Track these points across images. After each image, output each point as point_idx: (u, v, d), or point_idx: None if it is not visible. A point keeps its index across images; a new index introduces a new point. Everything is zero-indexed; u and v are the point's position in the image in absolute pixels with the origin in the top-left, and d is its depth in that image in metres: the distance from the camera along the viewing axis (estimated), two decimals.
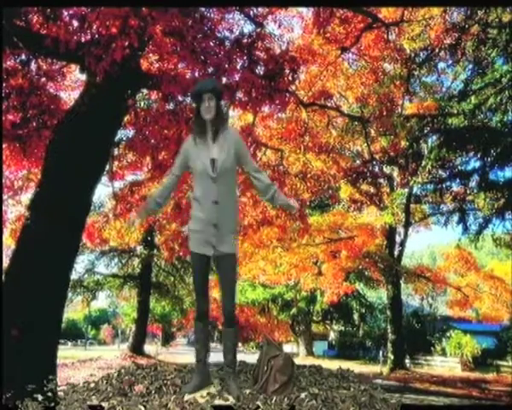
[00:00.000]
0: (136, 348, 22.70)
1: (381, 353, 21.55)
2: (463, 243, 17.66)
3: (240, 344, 42.42)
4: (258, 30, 7.36)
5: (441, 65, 14.18)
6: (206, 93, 2.77)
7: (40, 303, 5.36)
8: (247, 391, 2.72)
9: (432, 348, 22.89)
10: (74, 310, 43.55)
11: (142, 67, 6.95)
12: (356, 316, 29.51)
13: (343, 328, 31.36)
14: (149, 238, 21.83)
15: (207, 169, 2.75)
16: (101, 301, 42.83)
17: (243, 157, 2.86)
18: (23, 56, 6.69)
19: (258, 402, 2.57)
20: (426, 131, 12.85)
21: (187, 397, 2.66)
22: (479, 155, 11.81)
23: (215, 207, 2.75)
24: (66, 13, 5.67)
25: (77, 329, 46.19)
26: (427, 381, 15.61)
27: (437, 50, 11.82)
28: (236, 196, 2.99)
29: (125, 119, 7.83)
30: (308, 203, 16.58)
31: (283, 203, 2.96)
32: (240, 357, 3.09)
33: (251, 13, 7.66)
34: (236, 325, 2.93)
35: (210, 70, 6.40)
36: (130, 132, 9.55)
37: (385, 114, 12.77)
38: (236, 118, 13.95)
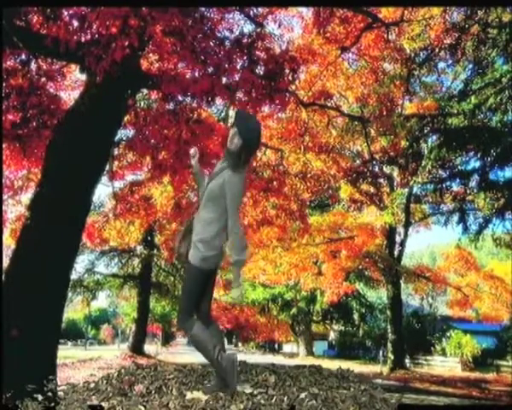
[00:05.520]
0: (136, 348, 22.70)
1: (381, 353, 21.54)
2: (463, 243, 17.65)
3: (240, 344, 42.42)
4: (258, 30, 7.36)
5: (441, 65, 14.18)
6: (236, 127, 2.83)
7: (40, 303, 5.36)
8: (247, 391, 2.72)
9: (432, 348, 22.89)
10: (74, 310, 43.58)
11: (142, 67, 6.95)
12: (356, 316, 29.52)
13: (343, 328, 31.37)
14: (149, 238, 21.83)
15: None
16: (101, 301, 42.97)
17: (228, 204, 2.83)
18: (23, 56, 6.69)
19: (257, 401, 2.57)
20: (426, 131, 12.83)
21: (189, 396, 2.67)
22: (479, 155, 11.79)
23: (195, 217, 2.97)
24: (66, 13, 5.67)
25: (77, 329, 46.22)
26: (427, 381, 15.59)
27: (437, 50, 11.81)
28: (216, 218, 2.85)
29: (125, 119, 7.83)
30: (308, 203, 16.58)
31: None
32: (240, 357, 3.09)
33: (251, 13, 7.66)
34: (184, 330, 2.95)
35: (210, 70, 6.39)
36: (131, 132, 9.57)
37: (385, 114, 12.76)
38: None
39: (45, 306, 5.44)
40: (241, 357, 3.15)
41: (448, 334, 22.92)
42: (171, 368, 3.26)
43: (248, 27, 8.10)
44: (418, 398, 9.72)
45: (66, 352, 20.36)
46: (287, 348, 36.65)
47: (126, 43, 5.34)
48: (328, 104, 12.55)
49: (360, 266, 20.63)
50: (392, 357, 18.78)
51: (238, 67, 6.81)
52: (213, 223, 2.83)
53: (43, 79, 7.16)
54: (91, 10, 5.34)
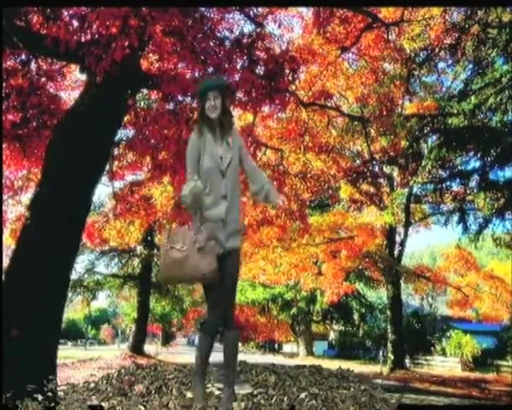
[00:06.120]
0: (136, 348, 22.70)
1: (381, 353, 21.54)
2: (463, 243, 17.65)
3: (240, 344, 42.36)
4: (258, 30, 7.35)
5: (441, 65, 14.18)
6: (212, 91, 2.78)
7: (40, 303, 5.36)
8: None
9: (432, 348, 22.89)
10: (74, 310, 43.61)
11: (142, 67, 6.95)
12: (356, 316, 29.51)
13: (343, 328, 31.37)
14: (149, 238, 21.83)
15: (217, 165, 2.77)
16: (101, 301, 42.98)
17: (243, 154, 2.94)
18: (23, 56, 6.69)
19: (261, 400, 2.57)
20: (426, 131, 12.82)
21: (189, 396, 2.67)
22: (479, 155, 11.78)
23: (224, 202, 2.76)
24: (66, 13, 5.67)
25: (77, 329, 46.22)
26: (427, 381, 15.59)
27: (437, 50, 11.81)
28: (240, 193, 3.02)
29: (125, 119, 7.83)
30: (308, 203, 16.58)
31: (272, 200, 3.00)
32: (240, 357, 3.09)
33: (251, 13, 7.65)
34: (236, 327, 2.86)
35: (210, 70, 6.40)
36: (131, 132, 9.55)
37: (385, 114, 12.76)
38: (236, 118, 13.94)
39: (45, 306, 5.44)
40: (241, 357, 3.15)
41: (448, 334, 22.93)
42: (171, 368, 3.27)
43: (248, 27, 8.11)
44: (418, 398, 9.73)
45: (66, 352, 20.36)
46: (287, 348, 36.62)
47: (126, 43, 5.34)
48: (328, 104, 12.54)
49: (360, 266, 20.63)
50: (392, 357, 18.78)
51: (238, 67, 6.81)
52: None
53: (43, 79, 7.16)
54: (91, 10, 5.34)
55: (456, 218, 14.05)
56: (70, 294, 19.84)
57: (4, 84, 6.45)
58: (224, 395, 2.64)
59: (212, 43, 6.51)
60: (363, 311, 29.26)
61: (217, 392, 2.81)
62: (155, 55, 6.84)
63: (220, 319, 2.75)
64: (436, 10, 10.88)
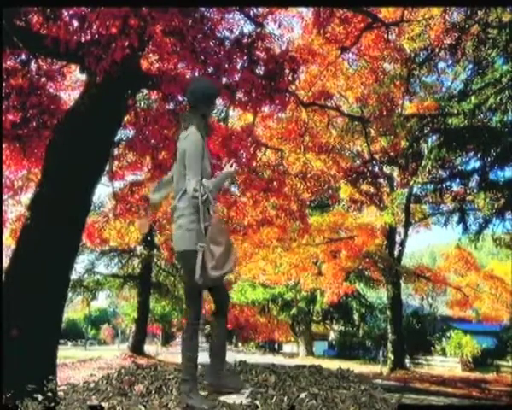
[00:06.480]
0: (136, 348, 22.70)
1: (381, 353, 21.54)
2: (463, 243, 17.65)
3: (240, 344, 42.37)
4: (258, 30, 7.36)
5: (441, 65, 14.17)
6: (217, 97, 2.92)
7: (40, 303, 5.36)
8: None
9: (432, 348, 22.90)
10: (74, 310, 43.58)
11: (142, 67, 6.95)
12: (356, 316, 29.51)
13: (343, 328, 31.36)
14: (149, 238, 21.82)
15: (211, 168, 2.85)
16: (101, 301, 42.94)
17: None
18: (23, 56, 6.69)
19: (257, 402, 2.58)
20: (426, 131, 12.81)
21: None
22: (479, 155, 11.78)
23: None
24: (66, 13, 5.67)
25: (77, 329, 46.23)
26: (427, 381, 15.60)
27: (437, 50, 11.79)
28: None
29: (125, 119, 7.83)
30: (308, 203, 16.58)
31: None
32: (240, 357, 3.09)
33: (251, 13, 7.65)
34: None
35: (210, 70, 6.40)
36: (131, 132, 9.55)
37: (385, 114, 12.76)
38: (236, 118, 13.97)
39: (45, 306, 5.44)
40: (241, 357, 3.15)
41: (448, 334, 22.93)
42: (171, 368, 3.27)
43: (248, 27, 8.10)
44: (418, 398, 9.72)
45: (66, 352, 20.37)
46: (287, 348, 36.63)
47: (126, 44, 5.34)
48: (328, 104, 12.54)
49: (360, 266, 20.63)
50: (392, 357, 18.78)
51: (238, 67, 6.81)
52: None
53: (43, 79, 7.15)
54: (91, 10, 5.34)
55: (456, 218, 14.06)
56: (70, 294, 19.82)
57: (4, 84, 6.45)
58: (226, 376, 2.77)
59: (212, 44, 6.51)
60: (363, 311, 29.26)
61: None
62: (155, 55, 6.84)
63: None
64: (436, 10, 10.87)
